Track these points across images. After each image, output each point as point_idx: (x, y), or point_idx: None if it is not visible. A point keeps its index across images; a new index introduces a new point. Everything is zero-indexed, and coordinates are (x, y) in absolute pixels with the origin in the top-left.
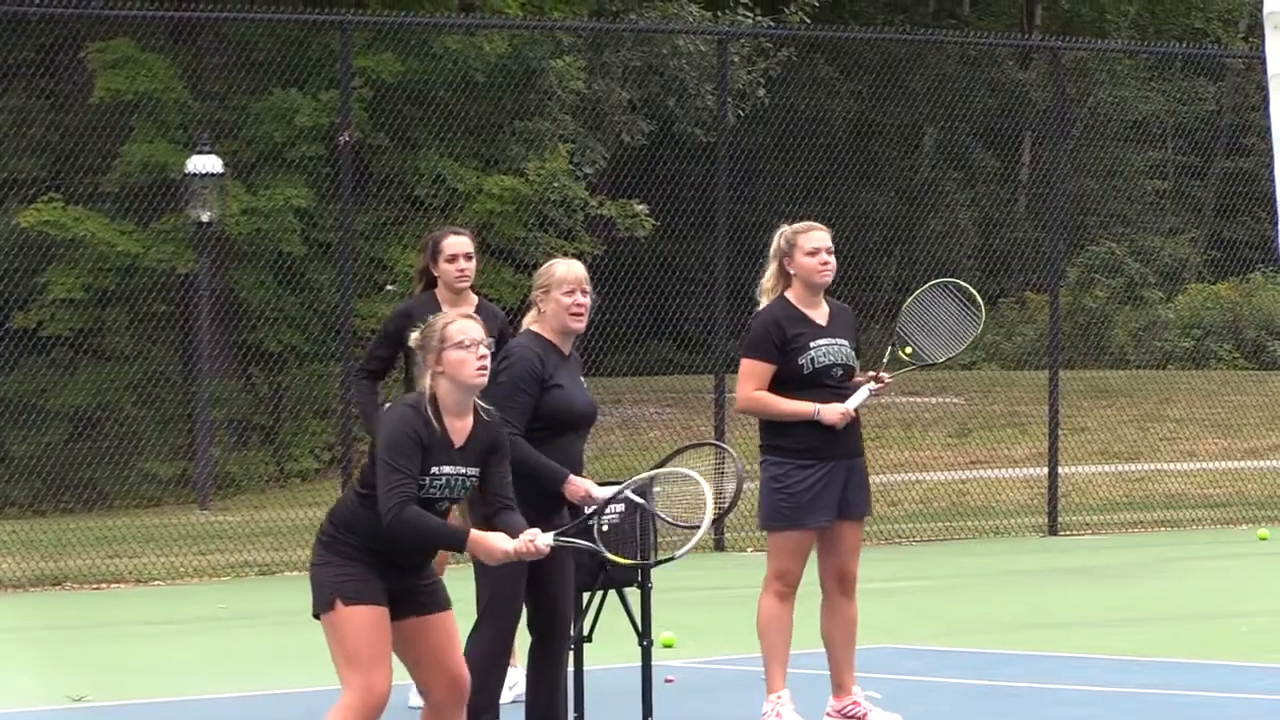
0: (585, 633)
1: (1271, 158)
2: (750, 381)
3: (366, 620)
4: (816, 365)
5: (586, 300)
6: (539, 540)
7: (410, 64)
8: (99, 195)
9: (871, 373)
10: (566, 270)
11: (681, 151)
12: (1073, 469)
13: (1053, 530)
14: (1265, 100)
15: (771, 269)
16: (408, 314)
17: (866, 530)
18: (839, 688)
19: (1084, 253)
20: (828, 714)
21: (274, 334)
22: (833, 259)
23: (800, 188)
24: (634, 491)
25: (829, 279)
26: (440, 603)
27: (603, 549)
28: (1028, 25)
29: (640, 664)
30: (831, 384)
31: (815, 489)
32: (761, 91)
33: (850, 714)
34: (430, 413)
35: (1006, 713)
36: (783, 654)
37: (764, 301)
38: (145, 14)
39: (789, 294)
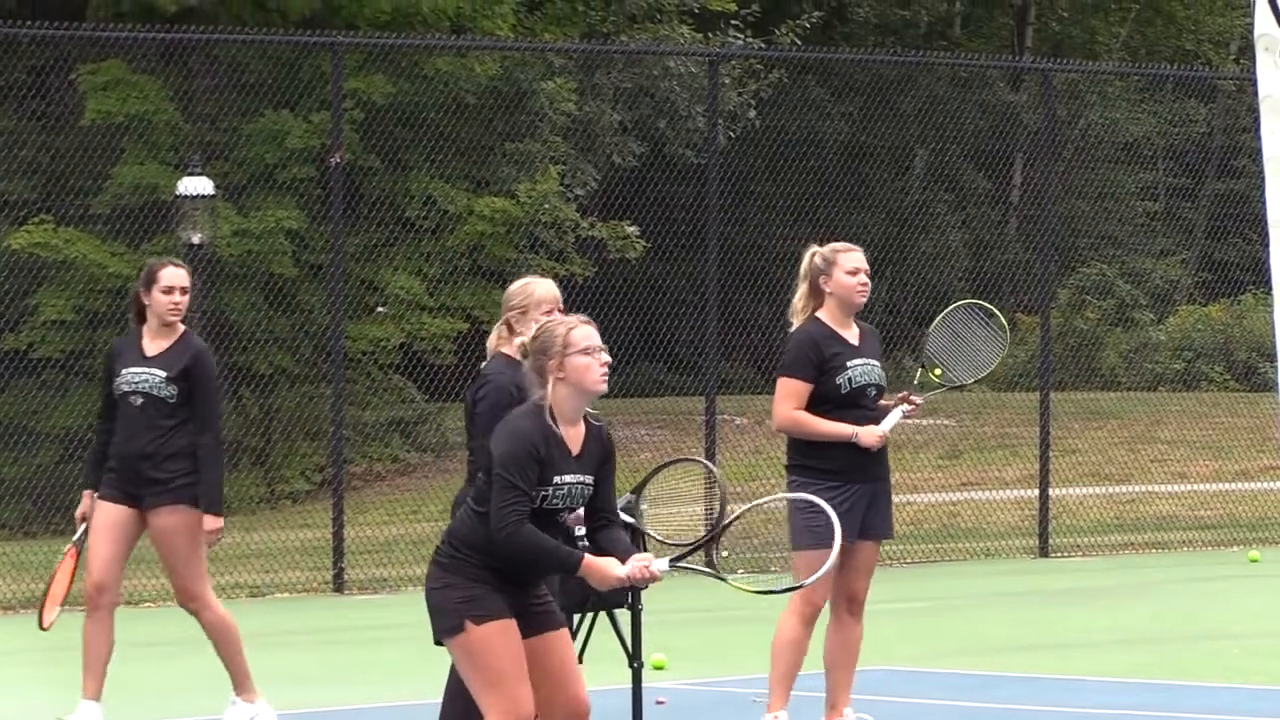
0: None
1: (1263, 179)
2: (789, 401)
3: (500, 637)
4: (853, 385)
5: None
6: (654, 566)
7: (401, 86)
8: (90, 217)
9: (902, 394)
10: (545, 291)
11: (672, 173)
12: (1064, 491)
13: (1044, 552)
14: (1256, 122)
15: (802, 289)
16: (113, 354)
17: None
18: (832, 708)
19: (1075, 274)
20: None
21: (265, 355)
22: (869, 280)
23: (791, 209)
24: (622, 509)
25: (865, 299)
26: (556, 621)
27: (723, 575)
28: (1019, 47)
29: (631, 686)
30: (866, 404)
31: (841, 509)
32: (752, 113)
33: None
34: (549, 420)
35: None
36: (791, 676)
37: (796, 322)
38: (136, 35)
39: (822, 314)
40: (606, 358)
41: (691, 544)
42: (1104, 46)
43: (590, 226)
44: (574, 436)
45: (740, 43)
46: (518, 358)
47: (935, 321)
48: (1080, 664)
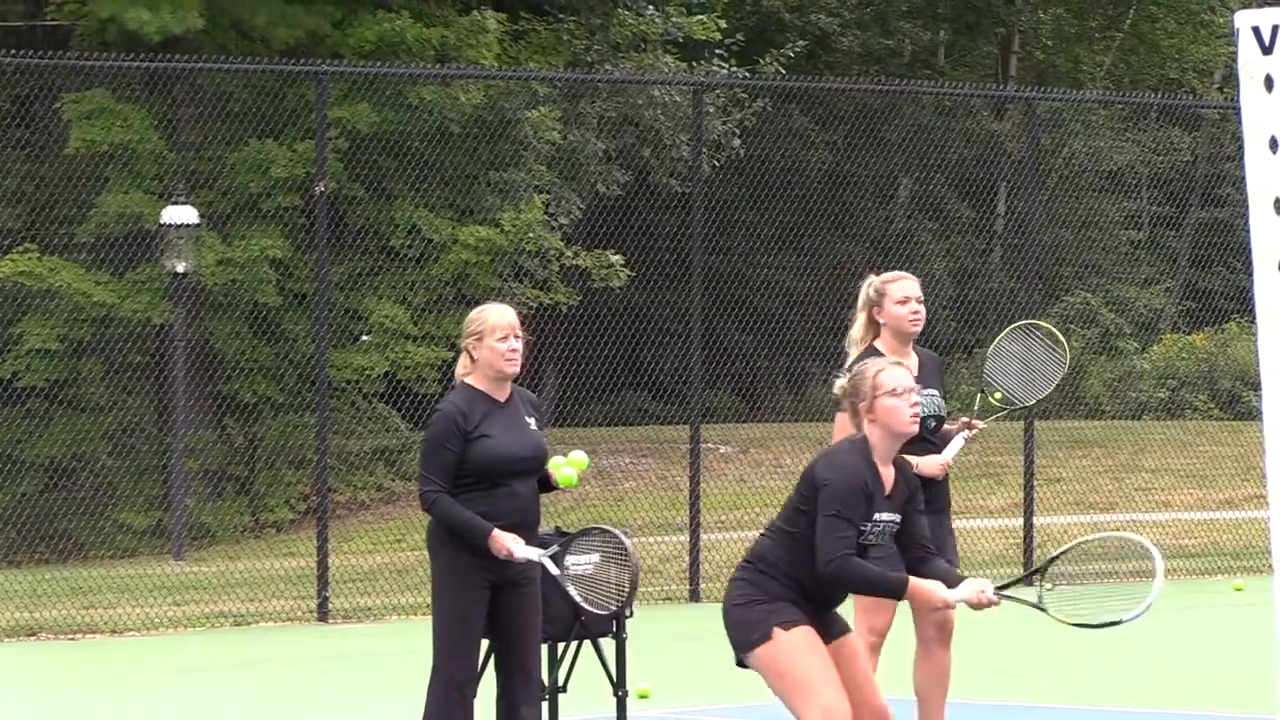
0: (560, 683)
1: (1246, 208)
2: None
3: (808, 641)
4: None
5: (519, 345)
6: (989, 592)
7: (386, 115)
8: (74, 246)
9: (963, 420)
10: (499, 316)
11: (657, 202)
12: (1048, 519)
13: (1029, 581)
14: (1240, 150)
15: (860, 319)
16: None
17: None
18: None
19: (1059, 303)
20: None
21: (249, 384)
22: (923, 308)
23: (775, 238)
24: (551, 558)
25: (919, 328)
26: (845, 627)
27: (1044, 606)
28: (1003, 76)
29: (615, 715)
30: (925, 435)
31: None
32: (737, 142)
33: None
34: (872, 458)
35: None
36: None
37: (853, 352)
38: (121, 64)
39: (879, 344)
40: (917, 399)
41: (1016, 579)
42: (1088, 75)
43: (574, 255)
44: (887, 476)
45: (724, 72)
46: (476, 384)
47: (993, 344)
48: (1065, 692)
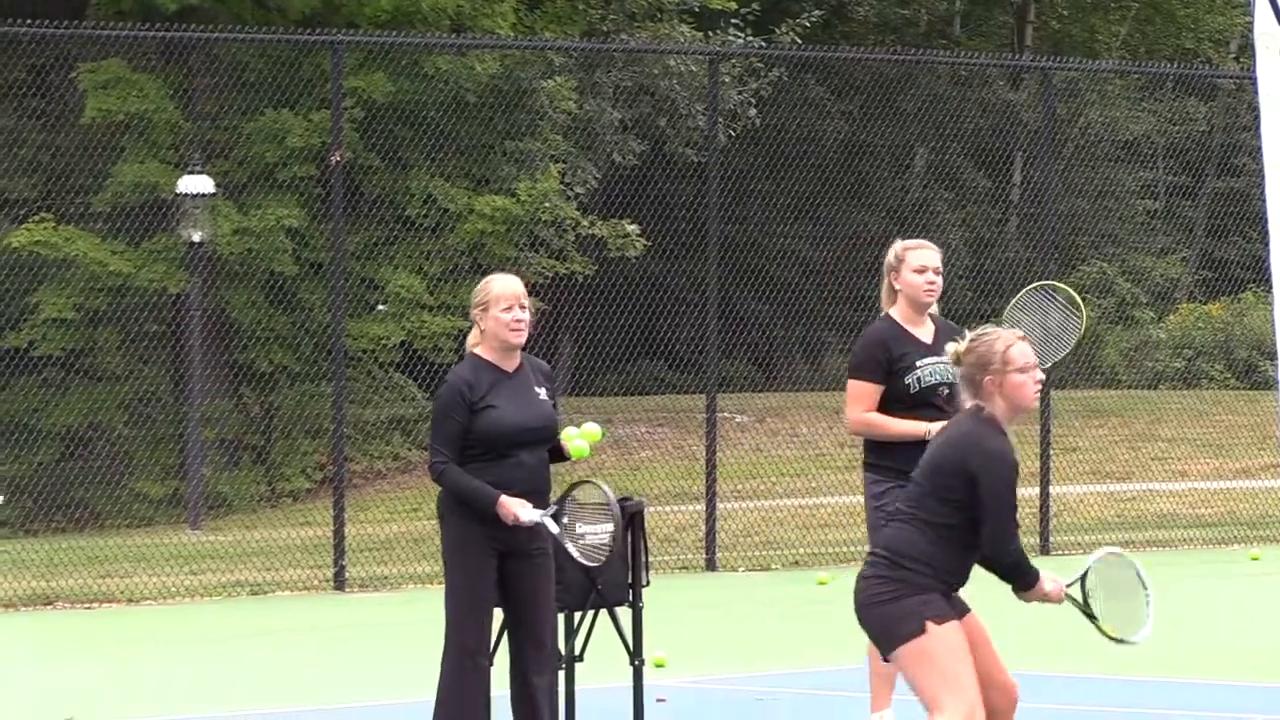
0: (576, 652)
1: (1263, 177)
2: (859, 403)
3: (958, 636)
4: (922, 384)
5: (525, 315)
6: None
7: (401, 84)
8: (90, 215)
9: None
10: (504, 286)
11: (672, 171)
12: (1064, 489)
13: (1044, 550)
14: (1256, 120)
15: (887, 281)
16: None
17: (858, 552)
18: None
19: (1075, 273)
20: None
21: (265, 354)
22: (940, 279)
23: (791, 208)
24: (552, 517)
25: (934, 298)
26: (965, 606)
27: (1095, 616)
28: (1018, 46)
29: (632, 684)
30: (938, 403)
31: None
32: (753, 111)
33: None
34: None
35: None
36: (890, 678)
37: (885, 309)
38: (137, 34)
39: (894, 311)
40: (1040, 375)
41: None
42: (1104, 45)
43: (590, 225)
44: None
45: (740, 41)
46: (484, 355)
47: (1010, 305)
48: (1081, 661)
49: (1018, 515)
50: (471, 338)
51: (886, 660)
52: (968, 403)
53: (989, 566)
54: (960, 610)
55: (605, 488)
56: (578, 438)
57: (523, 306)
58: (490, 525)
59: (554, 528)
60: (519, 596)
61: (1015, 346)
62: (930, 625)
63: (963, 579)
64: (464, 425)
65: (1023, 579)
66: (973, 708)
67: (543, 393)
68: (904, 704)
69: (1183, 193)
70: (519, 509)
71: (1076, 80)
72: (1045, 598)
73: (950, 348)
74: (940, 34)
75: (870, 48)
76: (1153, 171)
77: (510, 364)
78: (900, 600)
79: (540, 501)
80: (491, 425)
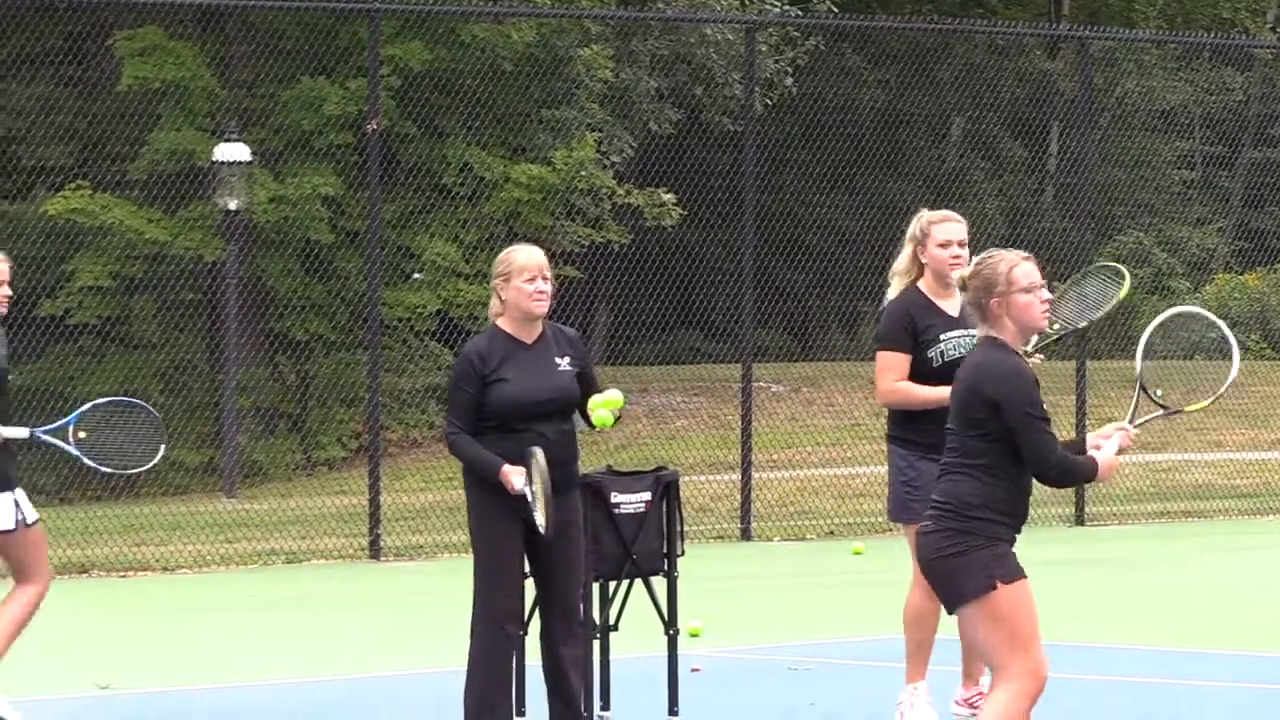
0: (611, 622)
1: None
2: (889, 374)
3: (1027, 597)
4: (946, 359)
5: (547, 286)
6: (1130, 430)
7: (438, 52)
8: (126, 183)
9: (1026, 351)
10: (527, 258)
11: (709, 140)
12: None
13: (1079, 520)
14: None
15: (906, 251)
16: None
17: (891, 522)
18: (968, 676)
19: (1111, 243)
20: (956, 702)
21: (301, 322)
22: (966, 252)
23: (827, 177)
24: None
25: (960, 272)
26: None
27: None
28: (1055, 15)
29: (666, 653)
30: None
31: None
32: (789, 80)
33: (976, 704)
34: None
35: None
36: (926, 648)
37: (894, 284)
38: (173, 1)
39: (921, 283)
40: (1048, 294)
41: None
42: (1141, 14)
43: (626, 194)
44: None
45: (777, 10)
46: (504, 326)
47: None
48: (1115, 632)
49: (1051, 432)
50: (493, 308)
51: (951, 614)
52: (979, 332)
53: (1045, 483)
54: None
55: (539, 457)
56: (599, 407)
57: (545, 278)
58: (509, 495)
59: (526, 491)
60: (547, 568)
61: (1019, 267)
62: (1000, 584)
63: (1023, 515)
64: (475, 397)
65: (1081, 479)
66: (1037, 669)
67: (564, 363)
68: (939, 674)
69: (1219, 163)
70: (514, 477)
71: (1113, 50)
72: (1114, 463)
73: (957, 274)
74: (977, 3)
75: (907, 16)
76: (1189, 141)
77: (530, 335)
78: (968, 554)
79: (564, 474)
80: (501, 398)
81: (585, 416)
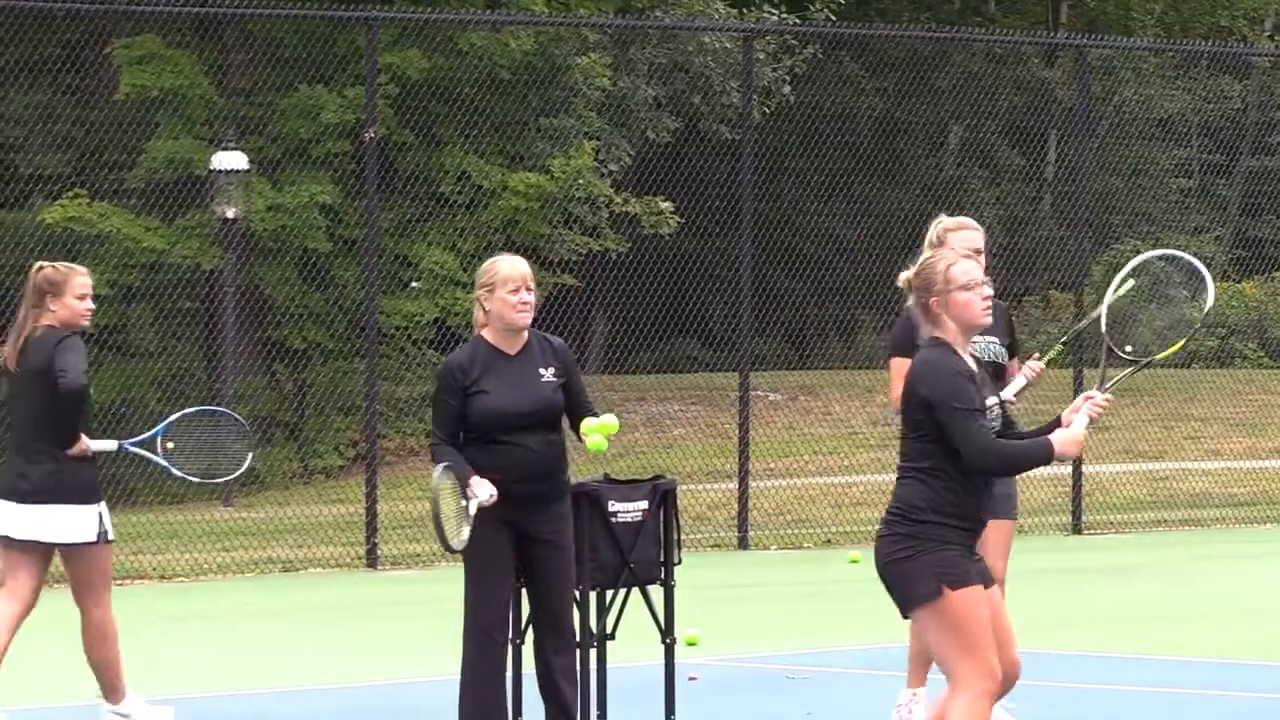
0: (608, 630)
1: None
2: (899, 381)
3: (977, 601)
4: None
5: (531, 297)
6: (1098, 397)
7: (436, 61)
8: (124, 191)
9: (1032, 361)
10: (511, 268)
11: (707, 149)
12: (1097, 468)
13: (1077, 529)
14: None
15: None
16: None
17: None
18: None
19: (1109, 251)
20: None
21: (298, 330)
22: (982, 259)
23: (825, 185)
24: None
25: (904, 275)
26: (990, 578)
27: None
28: (1053, 23)
29: (663, 662)
30: (981, 376)
31: None
32: (787, 89)
33: None
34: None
35: (1029, 711)
36: (928, 655)
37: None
38: (171, 10)
39: None
40: (989, 290)
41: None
42: (1139, 22)
43: (624, 202)
44: (973, 365)
45: (775, 18)
46: (487, 337)
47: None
48: (1114, 641)
49: (982, 423)
50: (477, 319)
51: (906, 618)
52: (924, 333)
53: (990, 474)
54: (987, 579)
55: (436, 474)
56: (594, 431)
57: (529, 288)
58: (499, 506)
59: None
60: (537, 582)
61: (957, 265)
62: (947, 590)
63: (976, 517)
64: (457, 408)
65: (1033, 462)
66: (989, 674)
67: (548, 373)
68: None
69: (1217, 171)
70: (479, 489)
71: (1111, 58)
72: (1077, 440)
73: (903, 276)
74: (975, 11)
75: (905, 25)
76: (1187, 150)
77: (514, 346)
78: (915, 559)
79: (541, 486)
80: (481, 410)
81: (575, 429)
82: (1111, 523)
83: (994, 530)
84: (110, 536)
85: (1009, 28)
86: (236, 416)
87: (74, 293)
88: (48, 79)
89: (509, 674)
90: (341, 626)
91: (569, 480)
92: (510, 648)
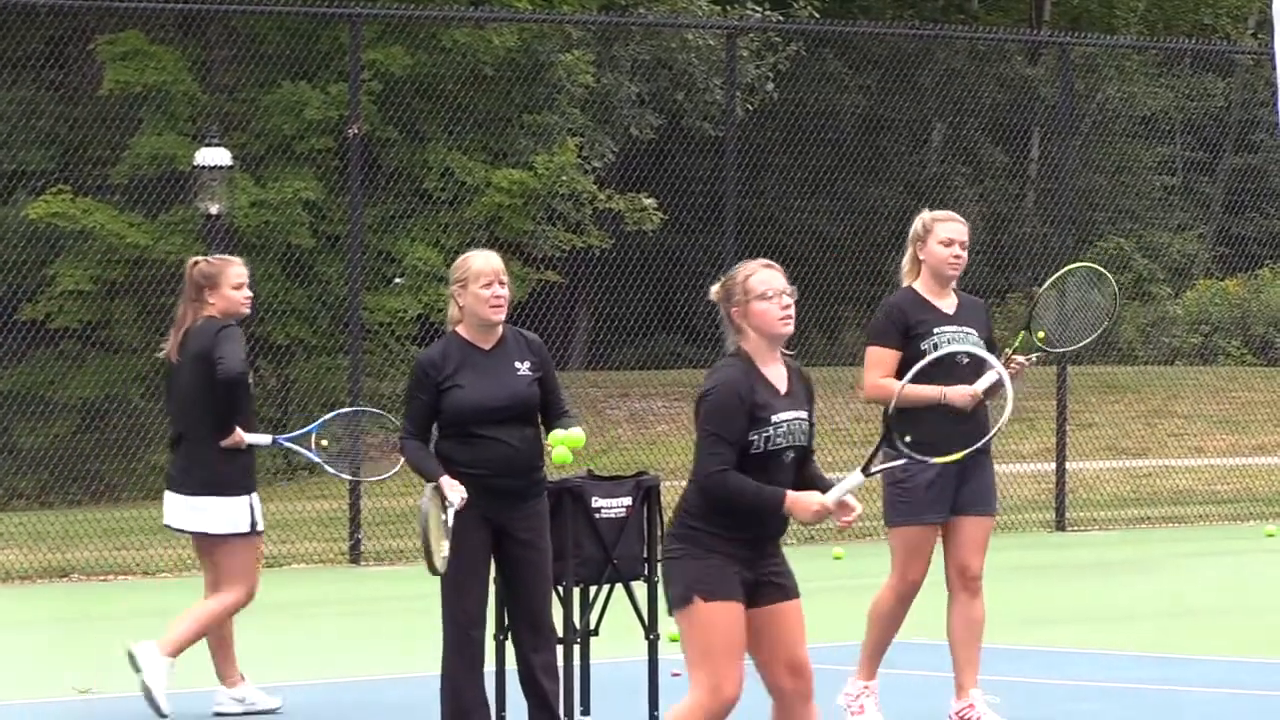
0: (591, 626)
1: None
2: (876, 369)
3: (723, 618)
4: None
5: (504, 292)
6: (851, 483)
7: (419, 57)
8: (107, 187)
9: (1006, 355)
10: (484, 263)
11: (690, 145)
12: (1080, 465)
13: (1060, 526)
14: (1274, 96)
15: (909, 252)
16: None
17: (872, 527)
18: (959, 688)
19: (1092, 248)
20: (949, 716)
21: (282, 327)
22: (965, 253)
23: (809, 182)
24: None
25: (958, 272)
26: (791, 592)
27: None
28: (1036, 20)
29: (647, 658)
30: (958, 375)
31: (935, 484)
32: (770, 86)
33: (964, 717)
34: (750, 364)
35: (1012, 708)
36: (882, 649)
37: (905, 283)
38: (154, 6)
39: (918, 283)
40: (788, 300)
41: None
42: (1122, 20)
43: (607, 199)
44: (778, 376)
45: (758, 15)
46: (461, 333)
47: (1047, 284)
48: (1097, 638)
49: (723, 450)
50: (451, 314)
51: (671, 615)
52: (731, 341)
53: (718, 503)
54: (775, 594)
55: (425, 496)
56: (560, 444)
57: (502, 283)
58: (478, 502)
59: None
60: (515, 582)
61: (755, 275)
62: (697, 600)
63: (754, 529)
64: (429, 404)
65: (754, 507)
66: (714, 688)
67: (524, 368)
68: (894, 677)
69: (1200, 169)
70: (450, 492)
71: (1094, 55)
72: (809, 508)
73: (713, 289)
74: (958, 8)
75: (888, 22)
76: (1170, 147)
77: (487, 341)
78: (680, 561)
79: (516, 482)
80: (454, 405)
81: (547, 428)
82: (1095, 519)
83: (970, 526)
84: (260, 527)
85: (992, 25)
86: (391, 419)
87: (230, 283)
88: (31, 74)
89: (490, 669)
90: (325, 622)
91: (546, 476)
92: (494, 644)
